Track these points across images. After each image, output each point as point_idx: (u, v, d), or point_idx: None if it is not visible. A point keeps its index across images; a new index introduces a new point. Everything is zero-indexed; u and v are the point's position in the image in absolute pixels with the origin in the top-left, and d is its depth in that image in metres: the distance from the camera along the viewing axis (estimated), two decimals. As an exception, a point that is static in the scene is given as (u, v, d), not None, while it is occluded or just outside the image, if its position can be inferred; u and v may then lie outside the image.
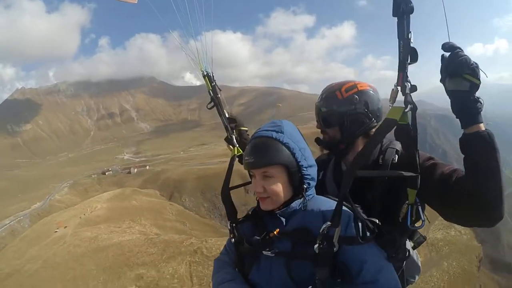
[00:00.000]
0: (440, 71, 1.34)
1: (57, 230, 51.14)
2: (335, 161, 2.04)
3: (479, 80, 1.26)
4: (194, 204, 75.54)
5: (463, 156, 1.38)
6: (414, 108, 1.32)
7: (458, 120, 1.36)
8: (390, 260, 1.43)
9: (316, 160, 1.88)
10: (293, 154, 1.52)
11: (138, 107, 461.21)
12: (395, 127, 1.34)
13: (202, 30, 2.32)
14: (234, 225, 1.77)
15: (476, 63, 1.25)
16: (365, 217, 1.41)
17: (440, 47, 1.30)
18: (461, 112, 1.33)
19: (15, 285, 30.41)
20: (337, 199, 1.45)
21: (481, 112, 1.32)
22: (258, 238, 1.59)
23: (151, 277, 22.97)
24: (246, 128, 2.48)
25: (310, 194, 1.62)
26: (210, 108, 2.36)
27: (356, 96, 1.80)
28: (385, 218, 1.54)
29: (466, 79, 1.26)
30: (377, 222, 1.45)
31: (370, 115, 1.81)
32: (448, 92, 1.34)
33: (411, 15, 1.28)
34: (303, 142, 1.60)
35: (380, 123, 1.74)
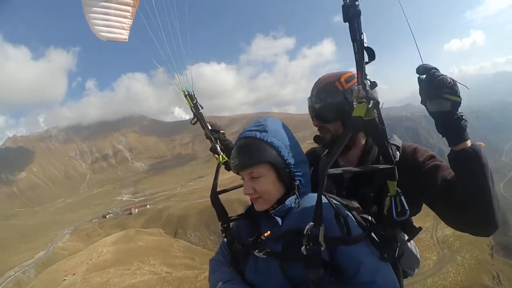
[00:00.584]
0: (419, 94, 1.36)
1: (66, 278, 51.41)
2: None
3: (460, 97, 1.26)
4: (200, 239, 75.75)
5: (454, 171, 1.43)
6: (376, 103, 1.34)
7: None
8: (386, 256, 1.41)
9: (309, 154, 2.06)
10: (279, 153, 1.50)
11: (131, 146, 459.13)
12: (363, 123, 1.36)
13: (181, 54, 2.45)
14: (225, 225, 1.82)
15: (453, 80, 1.25)
16: (356, 214, 1.46)
17: (416, 69, 1.33)
18: (447, 132, 1.35)
19: None
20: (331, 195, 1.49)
21: (467, 128, 1.32)
22: (250, 239, 1.59)
23: (170, 317, 22.16)
24: (223, 131, 2.60)
25: (305, 191, 1.59)
26: (193, 123, 2.54)
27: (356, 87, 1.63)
28: (378, 214, 1.59)
29: (447, 98, 1.26)
30: (370, 218, 1.47)
31: None
32: (431, 113, 1.34)
33: (361, 18, 1.31)
34: (290, 139, 1.59)
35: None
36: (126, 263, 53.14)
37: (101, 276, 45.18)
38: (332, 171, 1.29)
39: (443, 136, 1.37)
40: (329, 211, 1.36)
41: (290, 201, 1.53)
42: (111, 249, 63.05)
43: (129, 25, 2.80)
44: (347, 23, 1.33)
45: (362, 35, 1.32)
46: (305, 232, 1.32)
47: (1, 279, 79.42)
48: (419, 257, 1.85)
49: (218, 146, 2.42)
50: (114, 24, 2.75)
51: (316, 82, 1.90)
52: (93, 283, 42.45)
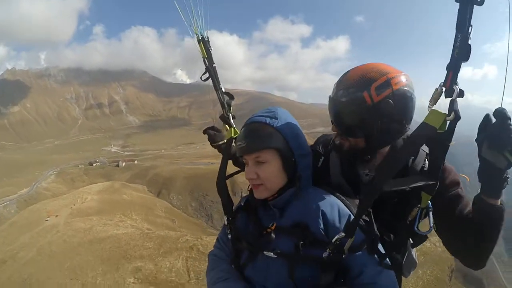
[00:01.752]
0: (479, 131, 1.19)
1: (48, 218, 51.28)
2: None
3: None
4: (182, 203, 76.58)
5: (473, 214, 1.37)
6: (457, 118, 1.13)
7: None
8: (392, 261, 1.39)
9: (320, 142, 1.90)
10: (287, 142, 1.45)
11: (128, 99, 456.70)
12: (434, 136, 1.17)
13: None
14: (230, 218, 1.68)
15: None
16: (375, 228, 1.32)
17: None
18: (486, 183, 1.27)
19: (12, 271, 30.65)
20: (334, 192, 1.49)
21: (504, 189, 1.25)
22: (255, 234, 1.53)
23: (149, 270, 23.54)
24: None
25: (305, 184, 1.53)
26: (205, 80, 2.04)
27: (391, 102, 1.39)
28: (392, 218, 1.53)
29: (506, 157, 1.13)
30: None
31: (405, 122, 1.48)
32: (481, 157, 1.21)
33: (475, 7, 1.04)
34: (298, 129, 1.54)
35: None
36: (109, 213, 53.36)
37: (84, 222, 44.41)
38: (386, 188, 1.17)
39: (479, 181, 1.29)
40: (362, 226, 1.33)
41: (290, 192, 1.49)
42: (95, 198, 63.43)
43: None
44: (458, 3, 1.07)
45: (470, 28, 1.07)
46: (333, 240, 1.28)
47: None
48: (417, 260, 1.82)
49: (231, 114, 2.01)
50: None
51: (340, 80, 1.54)
52: (76, 228, 41.50)
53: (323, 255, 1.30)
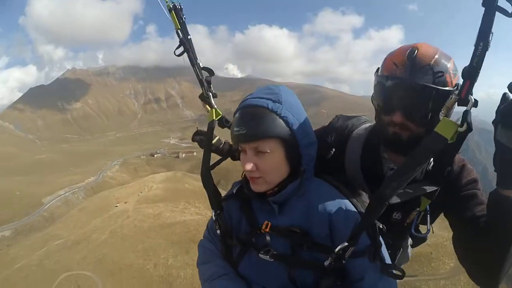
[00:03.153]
0: (496, 112, 1.07)
1: (118, 205, 54.32)
2: (370, 136, 1.58)
3: None
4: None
5: (488, 211, 1.24)
6: (469, 130, 1.05)
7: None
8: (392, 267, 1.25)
9: (336, 128, 1.69)
10: (292, 130, 1.26)
11: (183, 94, 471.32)
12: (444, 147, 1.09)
13: None
14: (218, 212, 1.49)
15: None
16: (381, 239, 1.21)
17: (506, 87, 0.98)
18: (503, 170, 1.14)
19: (86, 252, 32.48)
20: (344, 189, 1.36)
21: None
22: (248, 231, 1.38)
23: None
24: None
25: (308, 177, 1.36)
26: (179, 55, 1.79)
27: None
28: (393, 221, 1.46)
29: None
30: (381, 226, 1.22)
31: None
32: (496, 141, 1.10)
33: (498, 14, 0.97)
34: (303, 115, 1.34)
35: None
36: (174, 201, 55.15)
37: (152, 209, 47.06)
38: (392, 201, 1.11)
39: (495, 171, 1.17)
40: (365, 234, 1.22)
41: (292, 186, 1.32)
42: (160, 186, 65.66)
43: None
44: (484, 8, 0.98)
45: (491, 35, 0.99)
46: (336, 250, 1.17)
47: (51, 197, 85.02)
48: (409, 256, 1.74)
49: (211, 93, 1.79)
50: None
51: (413, 58, 1.31)
52: (145, 213, 44.12)
53: (325, 263, 1.21)
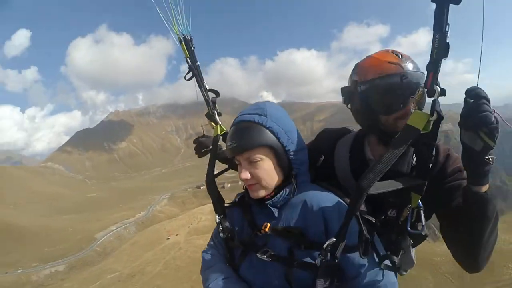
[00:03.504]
0: (460, 115, 1.14)
1: (169, 237, 54.48)
2: (355, 141, 1.69)
3: (494, 142, 1.11)
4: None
5: (463, 206, 1.32)
6: (440, 118, 1.14)
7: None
8: (389, 260, 1.35)
9: (323, 138, 1.84)
10: (278, 139, 1.39)
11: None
12: (418, 138, 1.19)
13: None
14: (221, 216, 1.60)
15: (496, 122, 1.08)
16: (366, 230, 1.24)
17: None
18: (468, 169, 1.24)
19: (141, 284, 32.53)
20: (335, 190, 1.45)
21: (489, 173, 1.21)
22: (249, 235, 1.48)
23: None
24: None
25: (303, 180, 1.49)
26: (188, 79, 1.99)
27: None
28: (385, 218, 1.49)
29: (481, 138, 1.11)
30: (373, 221, 1.37)
31: None
32: (461, 142, 1.18)
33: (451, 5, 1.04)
34: (289, 125, 1.45)
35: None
36: None
37: (203, 239, 46.28)
38: (371, 191, 1.15)
39: (464, 169, 1.29)
40: (354, 229, 1.25)
41: (287, 190, 1.44)
42: (209, 217, 65.93)
43: None
44: (434, 3, 1.07)
45: (448, 27, 1.07)
46: (324, 246, 1.24)
47: (104, 232, 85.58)
48: (415, 260, 1.72)
49: (216, 112, 1.99)
50: None
51: (407, 58, 1.47)
52: (196, 244, 44.14)
53: (316, 262, 1.28)
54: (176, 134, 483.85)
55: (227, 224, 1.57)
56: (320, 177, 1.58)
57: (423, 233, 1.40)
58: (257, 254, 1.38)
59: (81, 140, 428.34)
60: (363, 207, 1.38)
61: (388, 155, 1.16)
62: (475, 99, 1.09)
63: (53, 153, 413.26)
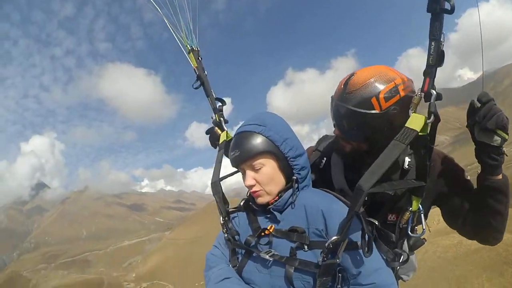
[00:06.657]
0: (467, 117, 1.32)
1: None
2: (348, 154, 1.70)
3: (508, 134, 1.25)
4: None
5: (481, 193, 1.42)
6: (436, 120, 1.20)
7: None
8: (387, 263, 1.37)
9: (321, 143, 1.94)
10: (278, 146, 1.44)
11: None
12: (416, 140, 1.22)
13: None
14: (226, 218, 1.67)
15: (507, 119, 1.23)
16: (366, 226, 1.27)
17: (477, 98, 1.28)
18: (486, 163, 1.35)
19: None
20: (335, 193, 1.48)
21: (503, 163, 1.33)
22: (252, 236, 1.50)
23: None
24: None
25: (305, 185, 1.54)
26: (196, 88, 2.10)
27: (397, 108, 1.39)
28: (385, 220, 1.52)
29: (499, 134, 1.25)
30: (376, 223, 1.42)
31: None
32: (476, 142, 1.32)
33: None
34: (288, 133, 1.51)
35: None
36: None
37: (448, 240, 46.83)
38: (371, 190, 1.17)
39: (479, 163, 1.38)
40: (353, 223, 1.26)
41: (289, 194, 1.49)
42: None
43: None
44: (430, 14, 1.15)
45: (443, 35, 1.15)
46: (326, 245, 1.27)
47: None
48: (416, 265, 1.80)
49: (223, 119, 2.10)
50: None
51: (346, 83, 1.51)
52: (443, 245, 45.84)
53: (317, 261, 1.29)
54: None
55: (231, 225, 1.63)
56: (319, 183, 1.63)
57: (422, 237, 1.50)
58: (260, 254, 1.41)
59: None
60: (362, 210, 1.35)
61: (386, 156, 1.19)
62: (486, 101, 1.24)
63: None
